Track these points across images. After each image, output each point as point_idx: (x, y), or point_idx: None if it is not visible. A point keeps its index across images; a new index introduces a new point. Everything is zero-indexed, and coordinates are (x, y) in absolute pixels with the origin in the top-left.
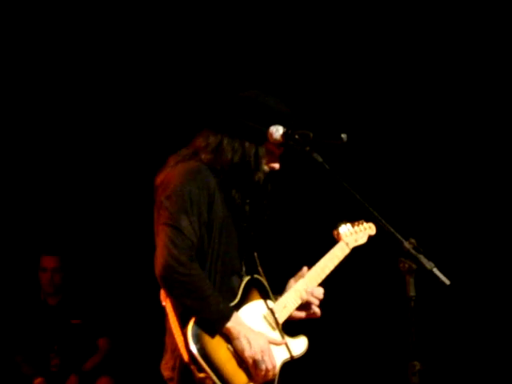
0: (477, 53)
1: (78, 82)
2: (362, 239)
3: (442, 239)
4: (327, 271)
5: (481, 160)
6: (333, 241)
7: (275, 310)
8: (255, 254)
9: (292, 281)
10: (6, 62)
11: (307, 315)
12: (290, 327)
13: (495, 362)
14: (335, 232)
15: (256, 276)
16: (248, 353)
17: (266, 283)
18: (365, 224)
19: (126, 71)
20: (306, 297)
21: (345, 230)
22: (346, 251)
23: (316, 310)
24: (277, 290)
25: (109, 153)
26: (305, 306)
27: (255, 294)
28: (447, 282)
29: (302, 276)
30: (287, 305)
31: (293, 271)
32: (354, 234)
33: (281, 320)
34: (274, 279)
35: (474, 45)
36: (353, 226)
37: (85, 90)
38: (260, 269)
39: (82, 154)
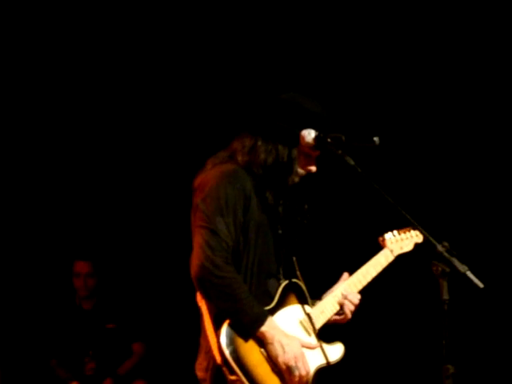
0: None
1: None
2: (407, 247)
3: (475, 242)
4: (369, 278)
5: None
6: (377, 247)
7: (312, 316)
8: (294, 258)
9: (334, 287)
10: (6, 62)
11: (339, 320)
12: (326, 333)
13: None
14: (380, 238)
15: (294, 280)
16: (281, 358)
17: (304, 288)
18: (412, 232)
19: (164, 74)
20: (340, 300)
21: (390, 236)
22: (391, 258)
23: (347, 314)
24: (316, 295)
25: (145, 155)
26: (340, 310)
27: (293, 298)
28: (481, 285)
29: (343, 281)
30: (325, 310)
31: (334, 277)
32: (399, 242)
33: (318, 325)
34: (315, 284)
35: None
36: (399, 233)
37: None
38: (299, 273)
39: (116, 158)
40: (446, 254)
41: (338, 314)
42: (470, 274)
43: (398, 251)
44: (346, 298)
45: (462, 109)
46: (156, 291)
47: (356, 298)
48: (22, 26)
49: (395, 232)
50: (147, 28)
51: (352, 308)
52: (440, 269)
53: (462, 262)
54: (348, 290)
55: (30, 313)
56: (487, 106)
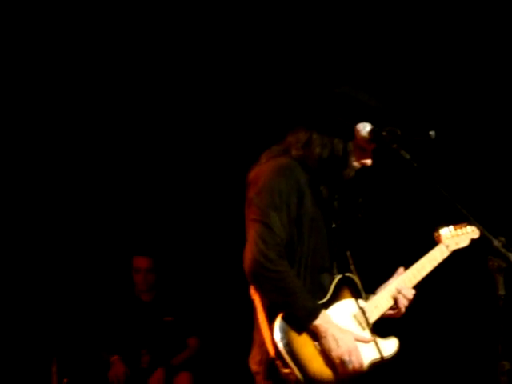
0: None
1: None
2: (463, 242)
3: None
4: (424, 273)
5: None
6: (432, 242)
7: (366, 310)
8: (348, 252)
9: (388, 281)
10: (6, 62)
11: (393, 314)
12: (381, 328)
13: None
14: (436, 234)
15: (348, 274)
16: (335, 352)
17: (358, 282)
18: (468, 227)
19: (214, 67)
20: (394, 295)
21: (446, 232)
22: (446, 254)
23: (401, 308)
24: (371, 289)
25: (202, 150)
26: (394, 305)
27: (346, 292)
28: None
29: (398, 276)
30: (379, 305)
31: (389, 271)
32: (455, 237)
33: (371, 320)
34: (369, 279)
35: None
36: (455, 229)
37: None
38: (353, 267)
39: (175, 153)
40: (502, 249)
41: (391, 308)
42: None
43: (453, 247)
44: (400, 292)
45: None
46: (212, 285)
47: (410, 293)
48: (22, 26)
49: (451, 227)
50: (164, 21)
51: (406, 303)
52: (496, 264)
53: None
54: (402, 284)
55: (89, 302)
56: None
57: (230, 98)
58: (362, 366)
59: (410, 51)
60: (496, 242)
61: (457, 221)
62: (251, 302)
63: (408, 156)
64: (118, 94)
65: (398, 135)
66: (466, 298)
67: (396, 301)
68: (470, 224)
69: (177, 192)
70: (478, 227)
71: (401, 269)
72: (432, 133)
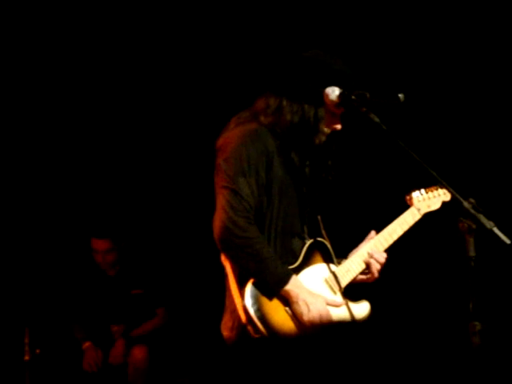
0: None
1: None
2: (435, 205)
3: (501, 198)
4: (395, 236)
5: None
6: (404, 205)
7: (338, 274)
8: (319, 217)
9: (360, 245)
10: (6, 62)
11: (366, 279)
12: (352, 292)
13: None
14: (407, 197)
15: (319, 239)
16: (306, 317)
17: (329, 246)
18: (439, 190)
19: (180, 38)
20: (367, 259)
21: (417, 195)
22: (417, 217)
23: (374, 273)
24: (343, 253)
25: (167, 113)
26: (366, 268)
27: (318, 257)
28: (508, 241)
29: (369, 240)
30: (350, 269)
31: (360, 235)
32: (426, 200)
33: (343, 284)
34: (340, 243)
35: None
36: (426, 192)
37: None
38: (324, 232)
39: (132, 123)
40: (472, 211)
41: (364, 273)
42: (496, 230)
43: (425, 210)
44: (372, 256)
45: (488, 70)
46: (180, 253)
47: (382, 257)
48: (22, 26)
49: (422, 190)
50: (146, 12)
51: (378, 267)
52: (466, 225)
53: (489, 218)
54: (374, 248)
55: (57, 276)
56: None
57: (197, 60)
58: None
59: (377, 14)
60: (466, 204)
61: (427, 183)
62: (222, 269)
63: (377, 119)
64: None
65: (367, 98)
66: (437, 259)
67: (368, 265)
68: (441, 187)
69: (141, 158)
70: (448, 189)
71: (372, 232)
72: (401, 95)
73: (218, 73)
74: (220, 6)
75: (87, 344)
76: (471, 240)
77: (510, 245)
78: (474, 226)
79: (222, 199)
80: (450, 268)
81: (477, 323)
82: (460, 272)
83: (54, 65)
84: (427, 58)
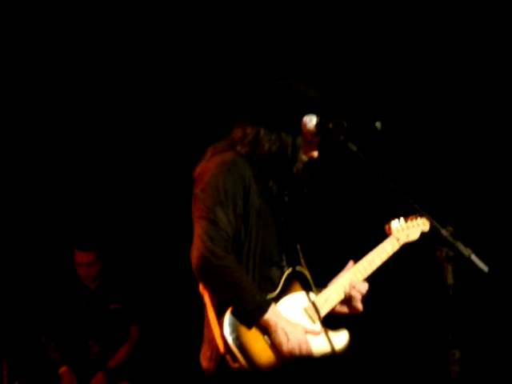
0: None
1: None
2: (414, 235)
3: (479, 226)
4: (374, 266)
5: None
6: (383, 234)
7: (317, 303)
8: (298, 245)
9: (339, 275)
10: (6, 62)
11: (350, 311)
12: (330, 321)
13: None
14: (387, 226)
15: (298, 268)
16: (285, 346)
17: (308, 275)
18: (418, 219)
19: (160, 64)
20: (348, 291)
21: (397, 224)
22: (396, 246)
23: (358, 305)
24: (322, 283)
25: (146, 144)
26: (348, 300)
27: (297, 285)
28: (485, 268)
29: (348, 270)
30: (329, 298)
31: (339, 264)
32: (405, 230)
33: (322, 313)
34: (320, 272)
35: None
36: (406, 221)
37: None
38: (303, 261)
39: (116, 145)
40: (450, 239)
41: (347, 306)
42: (474, 258)
43: (404, 239)
44: (353, 288)
45: (463, 94)
46: (160, 282)
47: (364, 288)
48: (22, 26)
49: (401, 220)
50: (138, 20)
51: (360, 297)
52: (444, 253)
53: (466, 246)
54: (354, 278)
55: (34, 296)
56: (485, 94)
57: (173, 92)
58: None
59: (352, 42)
60: (444, 232)
61: (407, 213)
62: (200, 297)
63: (355, 148)
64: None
65: (344, 127)
66: (416, 287)
67: (351, 298)
68: (421, 216)
69: (125, 183)
70: (426, 217)
71: (350, 262)
72: (378, 124)
73: (194, 102)
74: (195, 37)
75: (63, 369)
76: (449, 268)
77: (488, 272)
78: (451, 254)
79: (199, 229)
80: (428, 296)
81: (456, 351)
82: (438, 300)
83: (47, 67)
84: (403, 87)
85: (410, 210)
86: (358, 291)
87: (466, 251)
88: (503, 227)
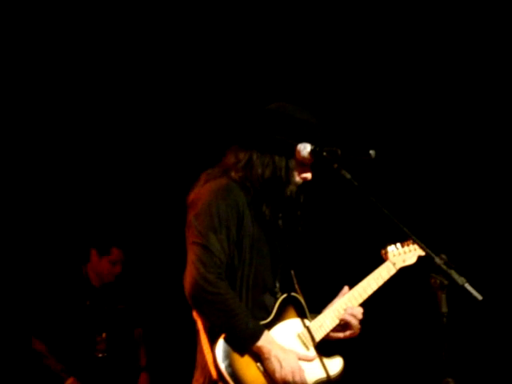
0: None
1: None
2: (410, 260)
3: (473, 255)
4: (369, 291)
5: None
6: (379, 259)
7: (311, 329)
8: (292, 271)
9: (334, 300)
10: (6, 62)
11: (345, 336)
12: (325, 347)
13: None
14: (383, 251)
15: (292, 294)
16: (278, 374)
17: (303, 301)
18: (410, 246)
19: (153, 89)
20: (344, 316)
21: (393, 249)
22: (393, 271)
23: (355, 329)
24: (317, 309)
25: (143, 171)
26: (344, 326)
27: (291, 312)
28: (479, 297)
29: (343, 295)
30: (324, 324)
31: (335, 290)
32: (402, 254)
33: (316, 339)
34: (315, 298)
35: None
36: (402, 246)
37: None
38: (297, 286)
39: (107, 171)
40: (444, 267)
41: (343, 330)
42: (468, 287)
43: (400, 264)
44: (350, 313)
45: (458, 126)
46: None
47: (359, 313)
48: (22, 26)
49: (398, 245)
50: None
51: (356, 322)
52: (438, 281)
53: (461, 274)
54: (348, 303)
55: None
56: (482, 125)
57: (169, 117)
58: None
59: (346, 71)
60: (438, 260)
61: (403, 239)
62: (194, 324)
63: (349, 176)
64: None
65: (338, 155)
66: (410, 315)
67: (347, 323)
68: (414, 243)
69: (130, 184)
70: (420, 244)
71: (345, 288)
72: (372, 152)
73: (186, 128)
74: (188, 55)
75: (70, 381)
76: (443, 296)
77: (481, 301)
78: (445, 282)
79: (192, 255)
80: (422, 324)
81: (450, 380)
82: (433, 328)
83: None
84: (397, 115)
85: (405, 237)
86: (354, 316)
87: (460, 280)
88: (496, 256)
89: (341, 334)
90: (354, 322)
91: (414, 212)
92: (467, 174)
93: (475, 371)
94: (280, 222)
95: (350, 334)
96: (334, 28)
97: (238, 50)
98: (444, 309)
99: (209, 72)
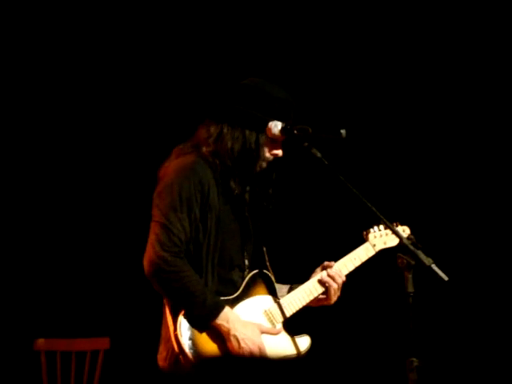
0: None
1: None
2: (391, 242)
3: (440, 235)
4: (345, 272)
5: (478, 157)
6: (358, 240)
7: (279, 306)
8: (264, 248)
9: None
10: (6, 62)
11: (319, 302)
12: (292, 327)
13: (493, 358)
14: (364, 232)
15: (262, 270)
16: (236, 353)
17: (272, 278)
18: (399, 227)
19: (128, 66)
20: (322, 277)
21: (375, 231)
22: (371, 253)
23: (332, 295)
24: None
25: (112, 146)
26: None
27: (260, 288)
28: (446, 277)
29: (319, 273)
30: (293, 302)
31: (311, 268)
32: (383, 236)
33: (285, 316)
34: (286, 274)
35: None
36: (385, 228)
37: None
38: (268, 264)
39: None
40: (411, 247)
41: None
42: (434, 267)
43: (381, 246)
44: (329, 275)
45: (427, 97)
46: (118, 285)
47: (337, 275)
48: (22, 26)
49: (381, 226)
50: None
51: (336, 286)
52: (405, 261)
53: (427, 254)
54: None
55: None
56: (446, 96)
57: (142, 92)
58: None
59: (319, 49)
60: (405, 240)
61: (367, 218)
62: (161, 298)
63: (319, 154)
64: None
65: (309, 133)
66: (376, 295)
67: (326, 287)
68: (402, 224)
69: (79, 190)
70: (387, 224)
71: (326, 262)
72: (343, 131)
73: (163, 101)
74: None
75: None
76: (410, 276)
77: (447, 281)
78: (412, 263)
79: (152, 234)
80: (388, 304)
81: (414, 359)
82: (398, 308)
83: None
84: (368, 94)
85: (391, 218)
86: (333, 278)
87: (427, 260)
88: (464, 236)
89: (322, 297)
90: (334, 286)
91: (382, 192)
92: (437, 154)
93: (440, 351)
94: (247, 196)
95: (327, 301)
96: (305, 7)
97: (216, 26)
98: (410, 289)
99: (187, 47)
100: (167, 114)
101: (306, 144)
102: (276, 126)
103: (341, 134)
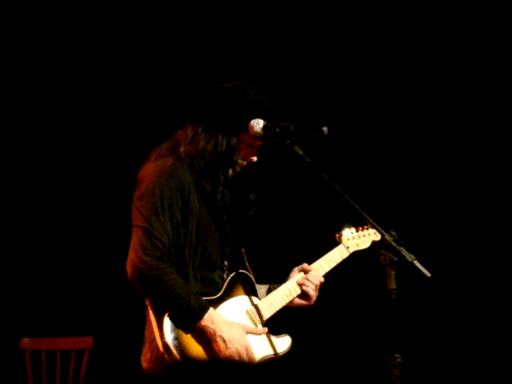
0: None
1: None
2: (364, 244)
3: (423, 231)
4: (321, 273)
5: (460, 152)
6: (333, 241)
7: (260, 307)
8: (243, 249)
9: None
10: (6, 62)
11: (300, 303)
12: (273, 327)
13: (477, 354)
14: (337, 235)
15: (243, 271)
16: (223, 354)
17: (252, 279)
18: (370, 229)
19: (117, 66)
20: (300, 281)
21: (348, 233)
22: (345, 255)
23: (311, 296)
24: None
25: (92, 145)
26: (302, 294)
27: (241, 289)
28: (428, 274)
29: (306, 270)
30: (273, 303)
31: (289, 268)
32: (356, 239)
33: (265, 317)
34: (265, 276)
35: (470, 45)
36: (357, 230)
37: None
38: (247, 265)
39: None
40: (393, 244)
41: (301, 298)
42: (417, 264)
43: (354, 248)
44: (307, 278)
45: (406, 96)
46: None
47: (315, 279)
48: (22, 26)
49: (353, 229)
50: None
51: (313, 287)
52: (388, 258)
53: (410, 251)
54: (300, 281)
55: None
56: (427, 91)
57: (122, 91)
58: (252, 362)
59: (298, 46)
60: (387, 237)
61: (355, 219)
62: (143, 300)
63: (301, 152)
64: None
65: (291, 131)
66: (358, 291)
67: (304, 290)
68: (372, 226)
69: (66, 191)
70: (369, 221)
71: (304, 264)
72: (325, 128)
73: (142, 103)
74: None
75: None
76: (392, 273)
77: (430, 278)
78: (395, 259)
79: (134, 238)
80: (371, 300)
81: (397, 355)
82: (381, 304)
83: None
84: (350, 92)
85: (356, 215)
86: (311, 282)
87: (410, 257)
88: (447, 233)
89: (303, 301)
90: (311, 287)
91: (365, 189)
92: (419, 152)
93: (423, 347)
94: (219, 197)
95: (306, 302)
96: (288, 5)
97: (199, 28)
98: (393, 285)
99: (168, 49)
100: (147, 114)
101: (288, 141)
102: (258, 124)
103: (323, 131)
